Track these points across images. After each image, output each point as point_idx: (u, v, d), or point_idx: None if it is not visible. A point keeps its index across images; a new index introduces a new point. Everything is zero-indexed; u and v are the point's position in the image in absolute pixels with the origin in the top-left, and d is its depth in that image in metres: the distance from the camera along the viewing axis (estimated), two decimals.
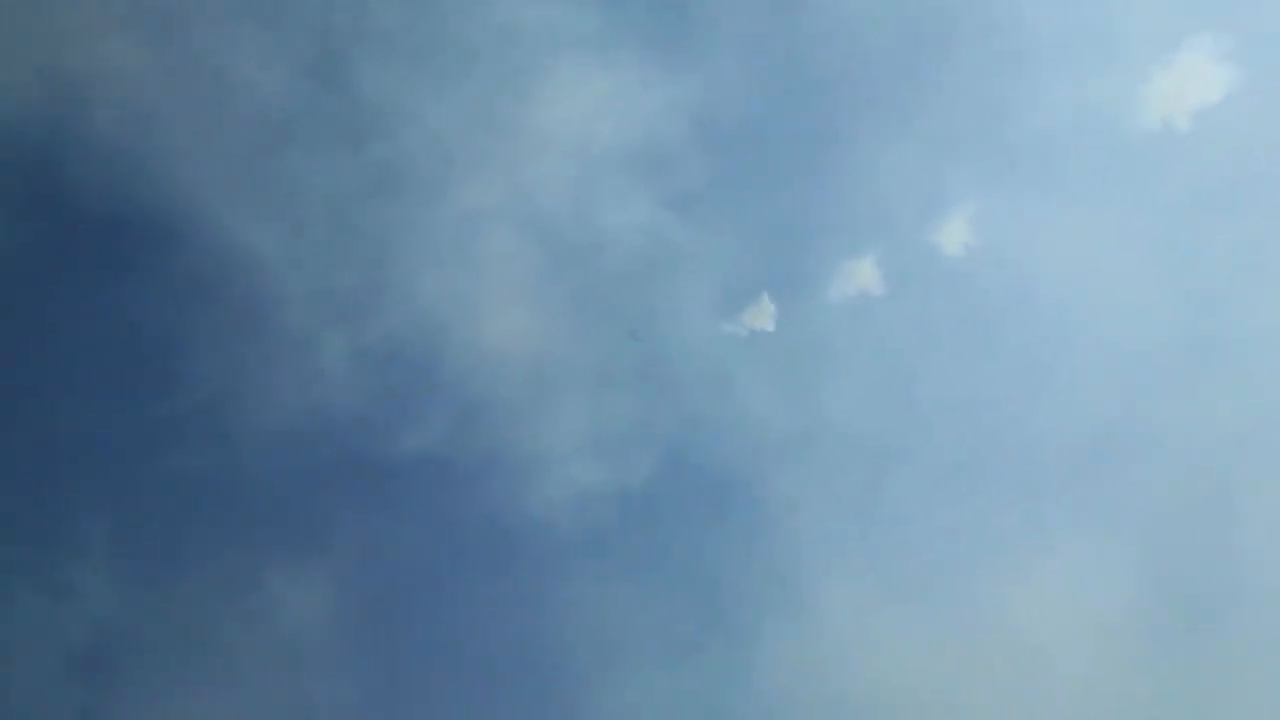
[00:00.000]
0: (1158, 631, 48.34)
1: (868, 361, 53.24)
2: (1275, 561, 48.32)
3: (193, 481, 52.09)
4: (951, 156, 55.81)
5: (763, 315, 54.15)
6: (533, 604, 50.74)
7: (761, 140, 55.28)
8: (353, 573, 51.37)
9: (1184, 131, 52.87)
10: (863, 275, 54.69)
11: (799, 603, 49.76)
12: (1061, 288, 53.44)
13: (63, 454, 52.04)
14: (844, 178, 54.81)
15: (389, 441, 52.28)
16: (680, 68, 55.25)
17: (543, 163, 53.99)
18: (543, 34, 55.11)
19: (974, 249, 54.51)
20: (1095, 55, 54.54)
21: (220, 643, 50.69)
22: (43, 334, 52.10)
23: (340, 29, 54.16)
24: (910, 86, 55.95)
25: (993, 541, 50.53)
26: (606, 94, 54.79)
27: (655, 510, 51.46)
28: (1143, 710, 46.83)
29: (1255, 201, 52.58)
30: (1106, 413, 51.95)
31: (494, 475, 52.23)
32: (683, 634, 49.72)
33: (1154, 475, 50.54)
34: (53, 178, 51.35)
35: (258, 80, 52.90)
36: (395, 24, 54.78)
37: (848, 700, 48.00)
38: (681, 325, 53.70)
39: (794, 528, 50.93)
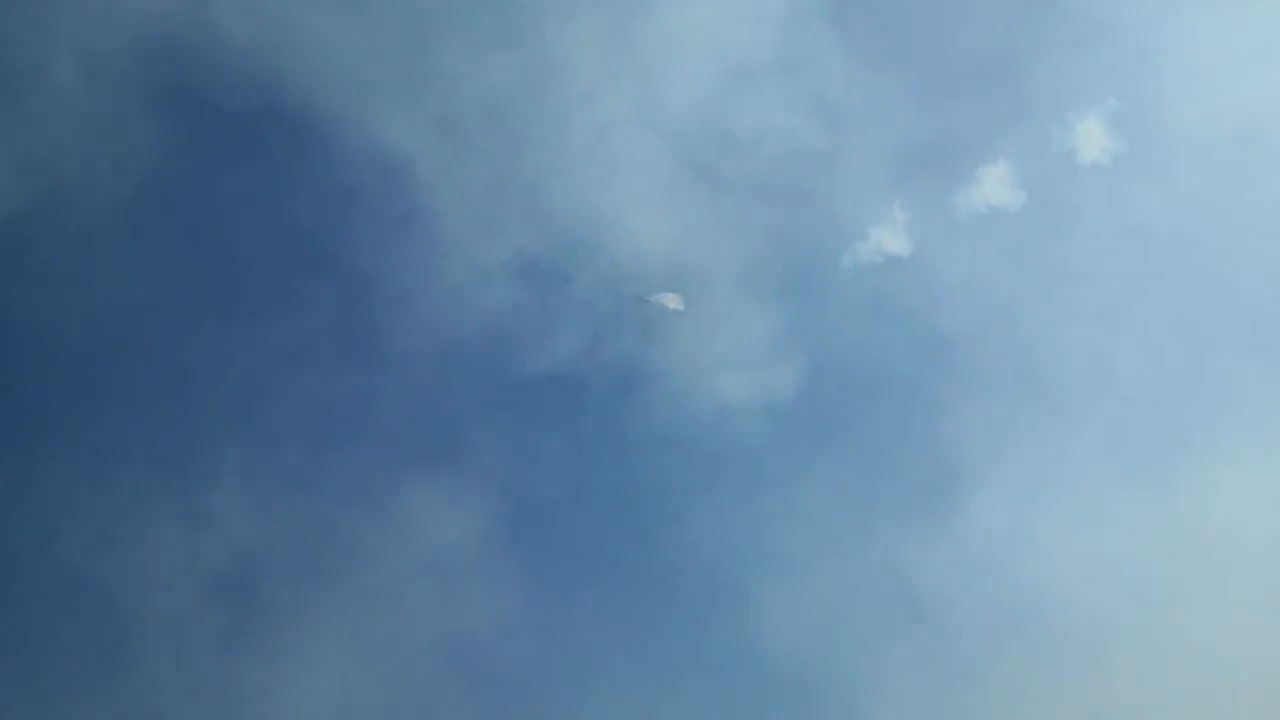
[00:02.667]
0: None
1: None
2: None
3: (328, 402, 51.42)
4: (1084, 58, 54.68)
5: (897, 232, 52.95)
6: (680, 516, 50.13)
7: (901, 45, 53.89)
8: (495, 489, 50.64)
9: None
10: (997, 183, 53.45)
11: (950, 506, 49.17)
12: None
13: (196, 379, 51.32)
14: (985, 82, 53.50)
15: (529, 356, 51.44)
16: None
17: (682, 69, 52.53)
18: None
19: (1112, 155, 53.33)
20: None
21: (361, 563, 50.08)
22: (175, 256, 51.19)
23: None
24: None
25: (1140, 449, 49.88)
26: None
27: (801, 421, 50.69)
28: None
29: None
30: None
31: (635, 389, 51.46)
32: (833, 541, 49.02)
33: None
34: (196, 77, 50.22)
35: None
36: None
37: (1001, 602, 47.47)
38: (822, 233, 52.51)
39: (942, 432, 50.22)
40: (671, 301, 49.53)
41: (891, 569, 48.57)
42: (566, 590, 49.68)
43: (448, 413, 51.72)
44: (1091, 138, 53.36)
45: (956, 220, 53.16)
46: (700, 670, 47.94)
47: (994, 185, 53.34)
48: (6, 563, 47.65)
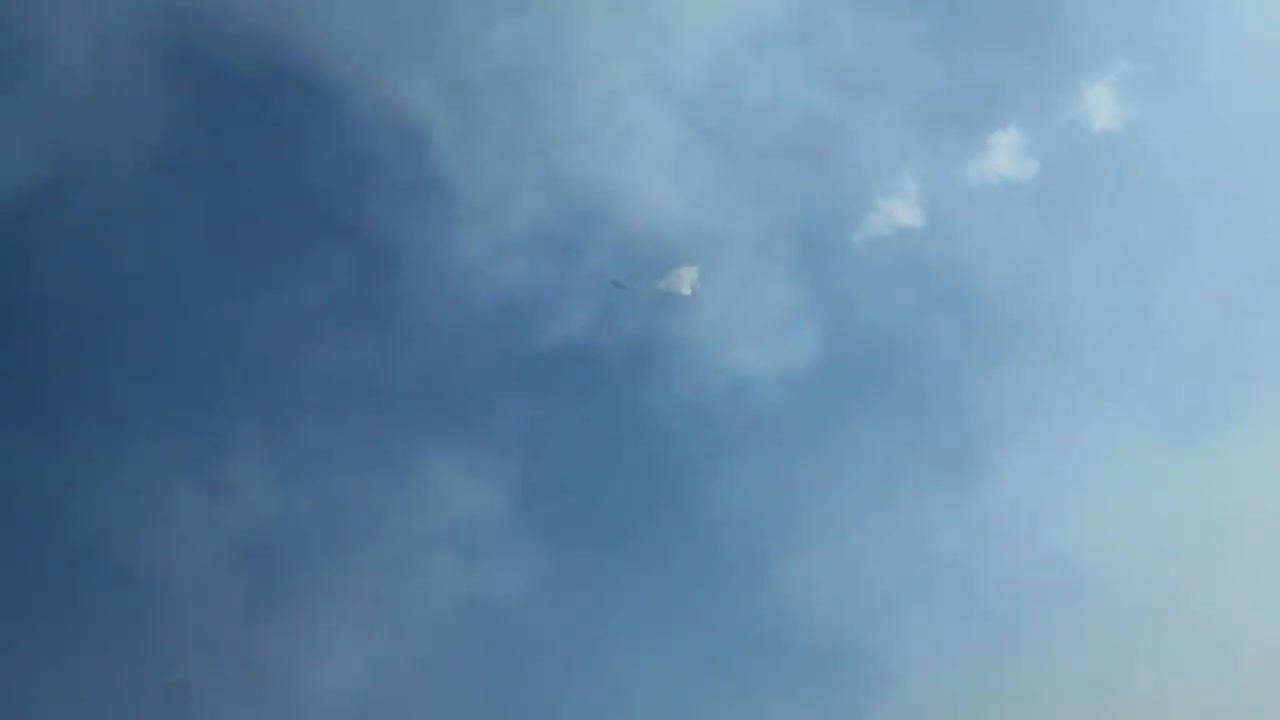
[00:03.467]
0: None
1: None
2: None
3: (347, 371, 51.63)
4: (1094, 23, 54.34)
5: (908, 203, 52.79)
6: (698, 487, 50.60)
7: (912, 9, 53.50)
8: (513, 458, 51.01)
9: None
10: (1009, 150, 53.18)
11: (973, 474, 49.59)
12: None
13: (214, 349, 51.44)
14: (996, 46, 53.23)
15: (545, 326, 51.61)
16: None
17: (693, 35, 52.22)
18: None
19: (1124, 122, 53.01)
20: None
21: (381, 531, 50.55)
22: (191, 226, 51.16)
23: None
24: None
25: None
26: None
27: (819, 391, 50.92)
28: None
29: None
30: None
31: (651, 359, 51.74)
32: (854, 510, 49.51)
33: None
34: (206, 42, 49.97)
35: None
36: None
37: (1025, 570, 47.93)
38: (836, 200, 52.46)
39: (964, 400, 50.51)
40: (684, 281, 49.55)
41: (913, 538, 49.10)
42: (585, 559, 50.31)
43: (465, 382, 52.10)
44: (1104, 102, 52.95)
45: (970, 186, 52.97)
46: (720, 639, 48.71)
47: (1008, 151, 53.12)
48: (31, 534, 48.12)
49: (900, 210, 52.26)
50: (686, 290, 49.81)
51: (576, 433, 51.57)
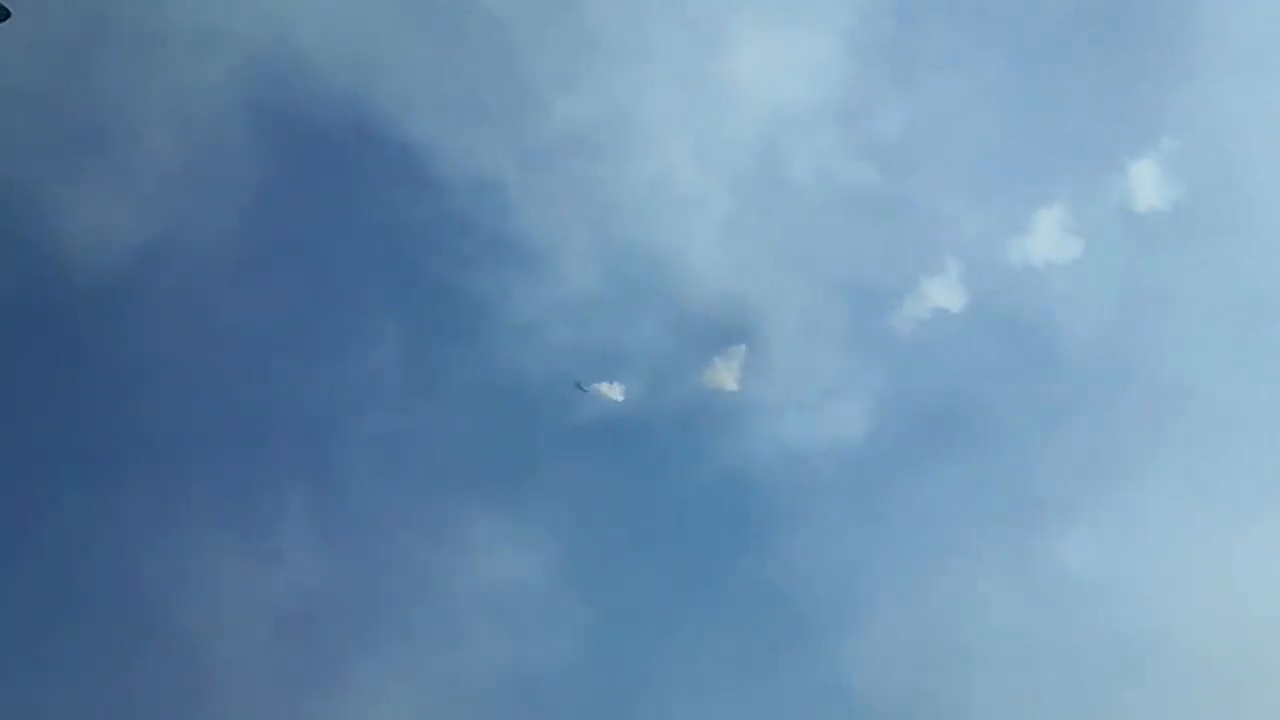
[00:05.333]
0: None
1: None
2: None
3: (396, 439, 51.84)
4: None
5: (952, 282, 52.99)
6: (748, 558, 50.30)
7: (957, 89, 54.17)
8: (560, 528, 50.84)
9: None
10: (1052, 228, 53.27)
11: (1032, 545, 49.38)
12: None
13: (266, 416, 51.88)
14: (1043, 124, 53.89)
15: (591, 396, 51.70)
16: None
17: (742, 112, 53.11)
18: None
19: (1169, 200, 53.06)
20: None
21: (426, 599, 50.34)
22: (255, 290, 51.70)
23: None
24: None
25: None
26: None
27: (870, 460, 50.88)
28: None
29: None
30: None
31: (700, 430, 51.78)
32: (907, 583, 49.01)
33: None
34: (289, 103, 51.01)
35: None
36: None
37: (1078, 646, 47.67)
38: (882, 275, 52.77)
39: (1022, 471, 50.46)
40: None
41: (973, 607, 48.55)
42: (633, 630, 49.80)
43: (514, 450, 52.06)
44: (1148, 180, 52.83)
45: (1013, 265, 52.99)
46: (770, 710, 48.14)
47: (1051, 230, 53.00)
48: (84, 598, 48.27)
49: (944, 289, 52.41)
50: (732, 385, 50.33)
51: (625, 502, 51.49)
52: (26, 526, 48.69)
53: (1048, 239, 52.44)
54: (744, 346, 51.52)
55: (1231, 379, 51.01)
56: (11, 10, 25.37)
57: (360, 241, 53.27)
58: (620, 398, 50.92)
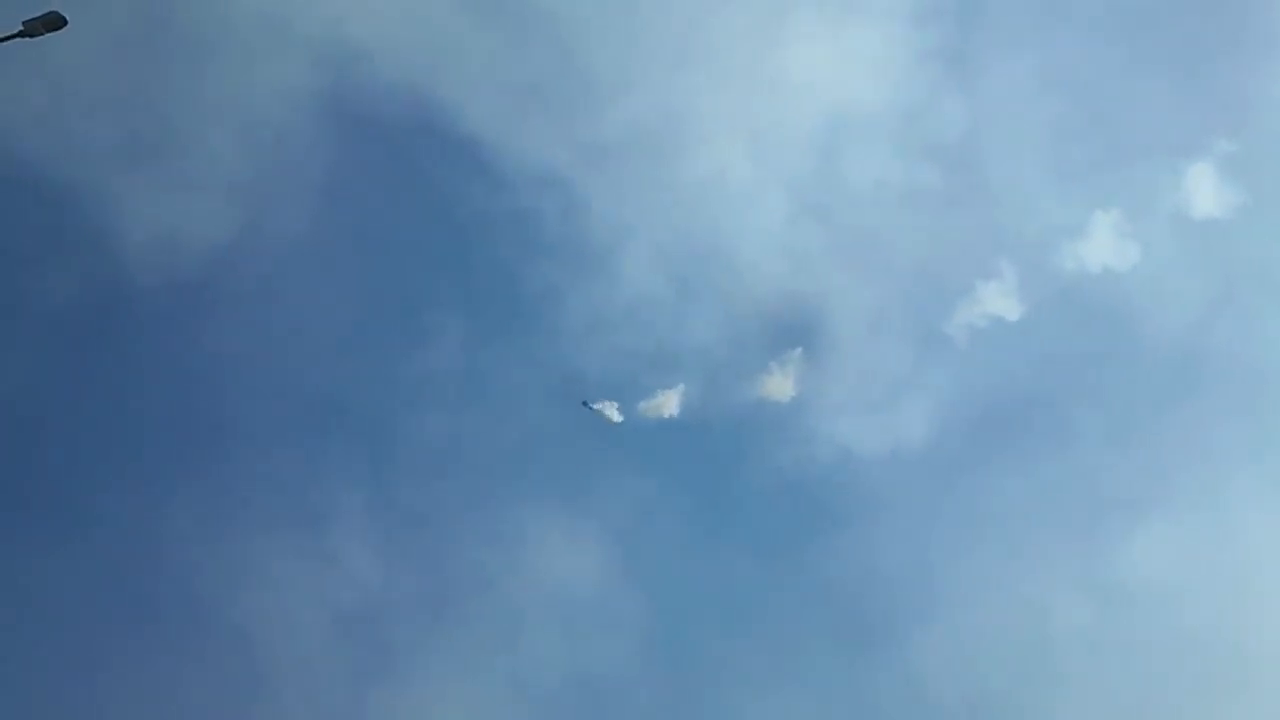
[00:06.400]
0: None
1: None
2: None
3: (452, 439, 51.86)
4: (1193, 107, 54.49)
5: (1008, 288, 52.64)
6: (808, 561, 50.11)
7: (1017, 89, 53.96)
8: (618, 529, 50.70)
9: None
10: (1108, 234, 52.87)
11: (1100, 548, 49.09)
12: None
13: (318, 421, 52.07)
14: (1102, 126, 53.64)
15: (649, 395, 51.71)
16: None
17: (797, 113, 52.99)
18: None
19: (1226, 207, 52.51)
20: None
21: (485, 601, 50.31)
22: (318, 286, 51.80)
23: None
24: None
25: None
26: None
27: (931, 462, 50.57)
28: None
29: None
30: None
31: (757, 432, 51.67)
32: (972, 587, 48.76)
33: None
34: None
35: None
36: None
37: (1149, 654, 47.16)
38: (944, 273, 52.54)
39: (1088, 472, 50.21)
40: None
41: (1040, 612, 48.28)
42: (692, 632, 49.71)
43: (570, 451, 52.07)
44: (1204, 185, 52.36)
45: (1068, 270, 52.68)
46: (831, 715, 48.07)
47: (1107, 236, 52.57)
48: (144, 597, 48.51)
49: (1006, 289, 52.09)
50: (789, 392, 50.26)
51: (683, 502, 51.50)
52: (89, 525, 48.79)
53: (1107, 242, 52.27)
54: (800, 350, 51.41)
55: None
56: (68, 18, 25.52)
57: (421, 238, 53.51)
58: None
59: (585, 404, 50.34)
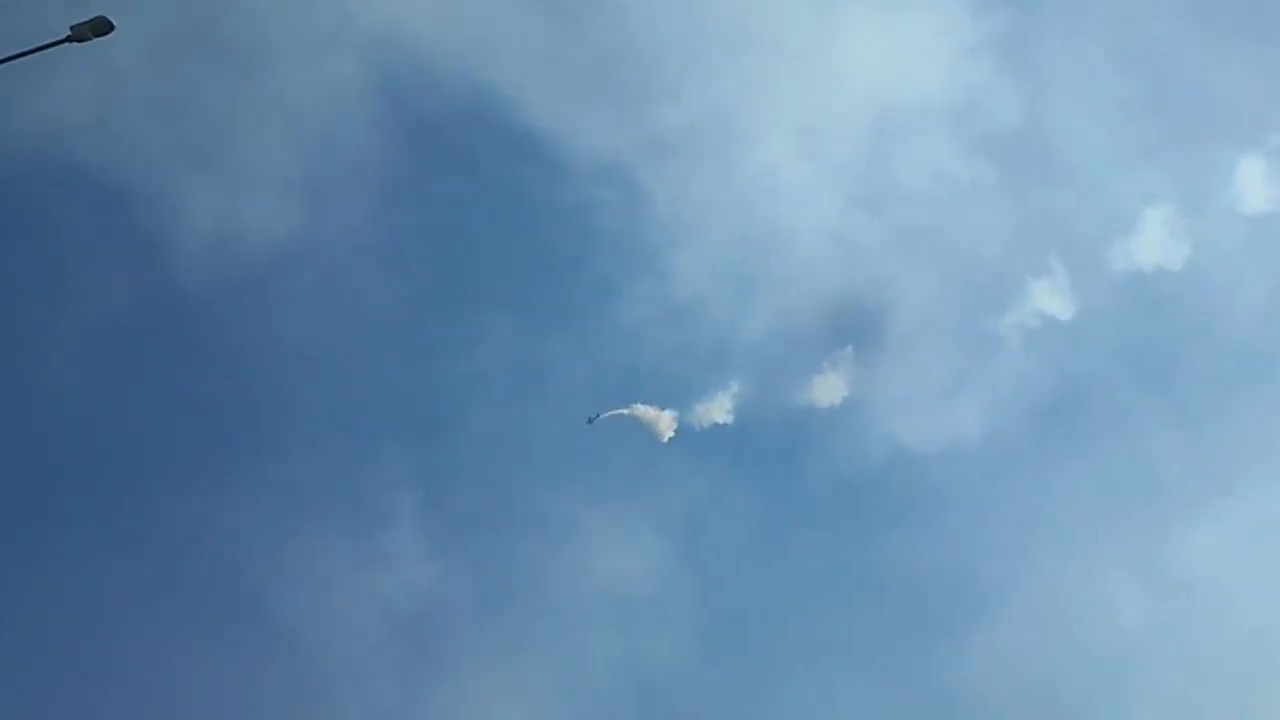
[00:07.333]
0: None
1: None
2: None
3: (503, 436, 51.73)
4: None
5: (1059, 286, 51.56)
6: (863, 559, 49.80)
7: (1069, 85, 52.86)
8: (673, 529, 50.45)
9: None
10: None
11: (1158, 546, 48.22)
12: None
13: (372, 420, 52.16)
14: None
15: (700, 395, 51.25)
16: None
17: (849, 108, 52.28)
18: None
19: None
20: None
21: (539, 598, 50.14)
22: (367, 285, 51.85)
23: None
24: None
25: None
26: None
27: (990, 459, 50.04)
28: None
29: None
30: None
31: (811, 431, 51.09)
32: (1027, 583, 48.22)
33: None
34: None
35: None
36: None
37: (1204, 651, 46.22)
38: (998, 269, 51.63)
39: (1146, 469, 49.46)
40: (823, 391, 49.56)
41: (1097, 608, 47.68)
42: (747, 632, 49.43)
43: (624, 450, 51.72)
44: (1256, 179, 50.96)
45: (1118, 270, 51.66)
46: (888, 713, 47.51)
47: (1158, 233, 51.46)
48: (197, 598, 48.73)
49: (1059, 286, 51.15)
50: (841, 393, 49.72)
51: (737, 502, 51.04)
52: (145, 524, 49.35)
53: (1158, 239, 51.06)
54: (851, 349, 50.73)
55: None
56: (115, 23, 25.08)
57: (478, 233, 53.50)
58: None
59: (590, 420, 49.64)
